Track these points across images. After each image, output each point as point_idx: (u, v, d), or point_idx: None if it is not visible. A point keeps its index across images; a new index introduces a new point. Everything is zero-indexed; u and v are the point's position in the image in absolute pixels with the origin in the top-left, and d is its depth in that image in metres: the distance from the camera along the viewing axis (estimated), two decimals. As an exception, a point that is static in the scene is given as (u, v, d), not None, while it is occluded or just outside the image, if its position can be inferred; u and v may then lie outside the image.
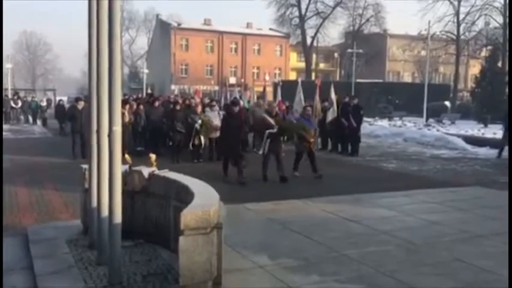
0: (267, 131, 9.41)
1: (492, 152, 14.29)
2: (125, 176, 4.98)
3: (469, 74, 52.35)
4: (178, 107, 12.16)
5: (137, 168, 5.31)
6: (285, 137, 10.07)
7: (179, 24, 54.63)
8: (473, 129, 22.38)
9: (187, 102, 14.15)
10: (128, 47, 66.65)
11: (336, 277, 4.31)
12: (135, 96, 22.58)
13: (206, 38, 55.06)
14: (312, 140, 10.20)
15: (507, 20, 38.03)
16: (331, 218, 6.41)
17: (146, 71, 43.65)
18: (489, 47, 37.84)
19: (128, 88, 53.06)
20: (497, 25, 41.08)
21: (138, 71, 60.72)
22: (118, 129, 4.04)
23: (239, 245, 5.04)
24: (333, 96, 14.77)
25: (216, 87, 49.28)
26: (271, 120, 9.58)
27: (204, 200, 4.18)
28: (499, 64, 33.06)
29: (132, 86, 55.94)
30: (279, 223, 6.12)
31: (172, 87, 50.55)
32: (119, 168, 4.12)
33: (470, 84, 40.58)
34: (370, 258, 4.79)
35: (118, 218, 4.09)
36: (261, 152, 9.62)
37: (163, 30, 55.85)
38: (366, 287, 4.08)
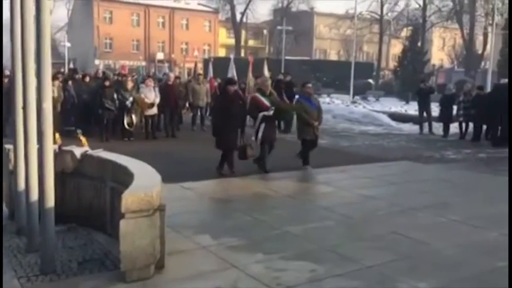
0: (261, 114, 7.81)
1: (415, 128, 15.03)
2: (55, 156, 4.62)
3: (391, 53, 54.58)
4: (107, 83, 11.54)
5: (68, 148, 4.96)
6: (282, 125, 8.53)
7: (102, -5, 51.94)
8: (397, 106, 23.47)
9: (121, 78, 13.45)
10: (46, 19, 62.37)
11: (280, 254, 4.30)
12: (54, 71, 21.21)
13: (132, 11, 52.82)
14: (315, 123, 8.36)
15: (427, 2, 39.94)
16: (272, 195, 6.41)
17: (68, 44, 41.21)
18: (410, 28, 39.58)
19: (48, 63, 49.78)
20: (417, 6, 43.03)
21: (57, 45, 57.24)
22: (48, 106, 3.71)
23: (180, 226, 4.89)
24: (266, 73, 14.77)
25: (144, 63, 47.73)
26: (266, 101, 7.97)
27: (145, 181, 3.98)
28: (419, 44, 34.71)
29: (51, 61, 52.61)
30: (221, 202, 6.03)
31: (96, 62, 48.18)
32: (51, 149, 3.79)
33: (393, 63, 42.32)
34: (313, 234, 4.84)
35: (51, 202, 3.78)
36: (253, 138, 7.96)
37: (84, 1, 52.83)
38: (310, 263, 4.10)
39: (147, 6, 52.85)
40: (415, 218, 5.53)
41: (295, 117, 8.58)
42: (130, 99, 11.18)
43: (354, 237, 4.82)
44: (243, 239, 4.68)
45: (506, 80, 14.32)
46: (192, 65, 26.95)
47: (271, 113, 7.83)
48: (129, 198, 3.57)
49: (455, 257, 4.30)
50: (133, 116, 11.31)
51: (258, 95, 8.17)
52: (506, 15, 21.65)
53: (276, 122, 9.36)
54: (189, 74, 23.01)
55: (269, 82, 8.63)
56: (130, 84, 11.57)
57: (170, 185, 6.20)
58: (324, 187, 6.98)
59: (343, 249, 4.45)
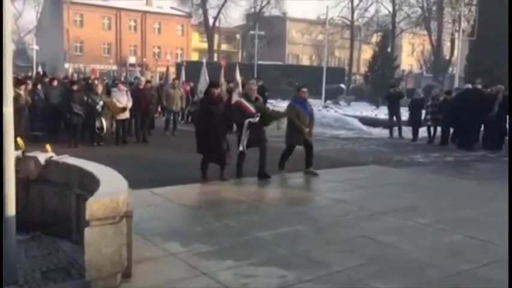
0: (247, 121, 7.39)
1: (384, 132, 15.26)
2: (17, 162, 4.49)
3: (362, 58, 55.42)
4: (76, 87, 11.31)
5: (32, 154, 4.82)
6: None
7: (72, -2, 51.05)
8: (367, 110, 23.83)
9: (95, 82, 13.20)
10: (14, 21, 61.05)
11: (250, 260, 4.27)
12: (23, 75, 20.71)
13: (103, 14, 52.08)
14: (306, 129, 8.12)
15: (396, 8, 40.72)
16: (242, 200, 6.38)
17: (36, 47, 40.29)
18: (380, 33, 40.28)
19: (15, 66, 48.69)
20: (387, 12, 43.85)
21: (26, 48, 55.96)
22: (9, 110, 3.59)
23: (149, 233, 4.81)
24: (238, 77, 14.77)
25: (115, 67, 47.09)
26: (251, 107, 7.57)
27: (112, 187, 3.90)
28: (389, 49, 35.35)
29: (20, 64, 51.43)
30: (189, 208, 5.96)
31: (66, 65, 47.31)
32: (12, 155, 3.68)
33: (364, 68, 42.96)
34: (283, 240, 4.82)
35: (12, 210, 3.66)
36: (241, 148, 7.55)
37: (54, 4, 51.74)
38: (280, 269, 4.08)
39: (119, 9, 52.22)
40: (384, 221, 5.59)
41: (285, 120, 8.35)
42: (101, 103, 10.98)
43: (324, 241, 4.83)
44: (212, 245, 4.63)
45: (469, 85, 14.73)
46: (164, 69, 26.75)
47: (257, 119, 7.42)
48: (94, 205, 3.48)
49: (422, 260, 4.35)
50: (104, 121, 11.11)
51: (243, 100, 7.73)
52: (472, 22, 22.23)
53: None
54: (161, 78, 22.81)
55: (255, 87, 8.01)
56: (100, 88, 11.36)
57: (140, 190, 6.15)
58: (295, 191, 7.00)
59: (314, 253, 4.46)
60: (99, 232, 3.53)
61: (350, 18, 44.25)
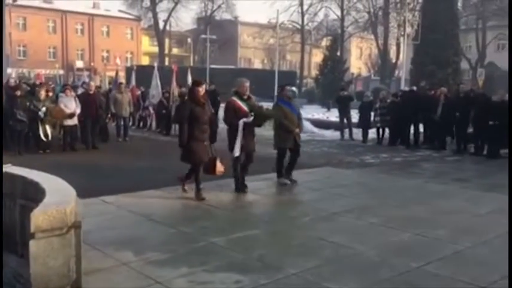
0: (241, 121, 6.83)
1: (336, 134, 15.54)
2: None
3: (312, 61, 56.36)
4: (19, 93, 10.83)
5: (-28, 164, 4.55)
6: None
7: (14, 1, 48.99)
8: (319, 113, 24.22)
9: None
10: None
11: (205, 267, 4.21)
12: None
13: (47, 17, 50.26)
14: (296, 130, 7.69)
15: (344, 13, 41.70)
16: (195, 206, 6.30)
17: (-25, 51, 38.34)
18: (329, 37, 41.11)
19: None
20: (336, 17, 44.84)
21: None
22: None
23: (99, 243, 4.66)
24: (190, 81, 14.62)
25: (62, 71, 45.51)
26: (244, 106, 7.00)
27: (58, 196, 3.74)
28: (338, 53, 36.12)
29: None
30: (142, 215, 5.82)
31: (9, 70, 45.29)
32: None
33: (314, 71, 43.71)
34: (238, 244, 4.80)
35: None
36: (237, 154, 6.97)
37: (-5, 6, 49.54)
38: (235, 274, 4.05)
39: (64, 12, 50.59)
40: (337, 222, 5.68)
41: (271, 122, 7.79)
42: (43, 109, 10.56)
43: (279, 244, 4.85)
44: (166, 253, 4.54)
45: (414, 87, 15.29)
46: (113, 74, 26.16)
47: (251, 119, 6.83)
48: (40, 216, 3.33)
49: (374, 259, 4.45)
50: (48, 127, 10.69)
51: (235, 98, 7.03)
52: (416, 27, 23.07)
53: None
54: (110, 83, 22.26)
55: (247, 84, 7.23)
56: (43, 94, 10.93)
57: (90, 199, 5.96)
58: (249, 195, 6.97)
59: (269, 257, 4.46)
60: (45, 244, 3.37)
61: (300, 23, 44.89)
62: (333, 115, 20.90)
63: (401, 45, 32.96)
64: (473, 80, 30.86)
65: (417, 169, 9.89)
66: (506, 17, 36.34)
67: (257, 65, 58.97)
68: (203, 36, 42.65)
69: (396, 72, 41.75)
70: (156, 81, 16.72)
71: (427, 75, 21.58)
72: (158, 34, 49.67)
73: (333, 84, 29.84)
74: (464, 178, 8.88)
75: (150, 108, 16.99)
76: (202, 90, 6.63)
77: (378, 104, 13.99)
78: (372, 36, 44.44)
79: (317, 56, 50.59)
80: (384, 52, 41.60)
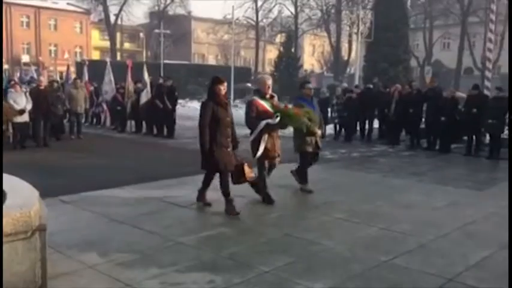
0: (264, 122, 6.05)
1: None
2: None
3: (267, 58, 56.58)
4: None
5: None
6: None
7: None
8: (276, 109, 24.30)
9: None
10: None
11: (176, 267, 4.12)
12: None
13: (-11, 9, 47.83)
14: (319, 132, 6.92)
15: (298, 10, 42.08)
16: (160, 204, 6.16)
17: None
18: (283, 34, 41.38)
19: None
20: (290, 14, 45.16)
21: None
22: None
23: (62, 245, 4.46)
24: (146, 77, 14.34)
25: (7, 66, 43.45)
26: (267, 106, 6.18)
27: (21, 198, 3.55)
28: (293, 50, 36.44)
29: None
30: (103, 215, 5.63)
31: None
32: None
33: (269, 67, 43.90)
34: (208, 243, 4.73)
35: None
36: (259, 154, 6.20)
37: None
38: (208, 274, 3.99)
39: (8, 4, 48.22)
40: (304, 219, 5.71)
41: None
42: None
43: (249, 242, 4.81)
44: (134, 254, 4.41)
45: (371, 85, 15.64)
46: (64, 68, 25.29)
47: (276, 121, 6.03)
48: (3, 220, 3.14)
49: (344, 254, 4.50)
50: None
51: (257, 98, 6.22)
52: (369, 25, 23.61)
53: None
54: (61, 78, 21.47)
55: (270, 82, 6.42)
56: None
57: (47, 199, 5.67)
58: (213, 193, 6.85)
59: (240, 255, 4.42)
60: (9, 249, 3.19)
61: (255, 19, 44.92)
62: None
63: (354, 42, 33.67)
64: (421, 77, 31.95)
65: (375, 164, 10.13)
66: (451, 16, 37.94)
67: (211, 60, 58.59)
68: (156, 31, 41.88)
69: (348, 69, 42.59)
70: (109, 76, 16.29)
71: (379, 72, 22.17)
72: (109, 28, 48.30)
73: (288, 81, 30.11)
74: (420, 172, 9.18)
75: (104, 105, 16.53)
76: (224, 88, 5.75)
77: (334, 100, 14.22)
78: (325, 34, 45.08)
79: (271, 53, 50.85)
80: (336, 49, 42.31)
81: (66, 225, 5.15)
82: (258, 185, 6.35)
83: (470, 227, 5.50)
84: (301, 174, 7.07)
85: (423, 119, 12.58)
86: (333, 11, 41.69)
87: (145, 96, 14.10)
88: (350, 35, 37.64)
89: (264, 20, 46.45)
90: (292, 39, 36.91)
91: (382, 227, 5.39)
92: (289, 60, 33.48)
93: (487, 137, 11.73)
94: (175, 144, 12.49)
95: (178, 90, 14.58)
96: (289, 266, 4.17)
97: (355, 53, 35.02)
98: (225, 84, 5.79)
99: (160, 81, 14.33)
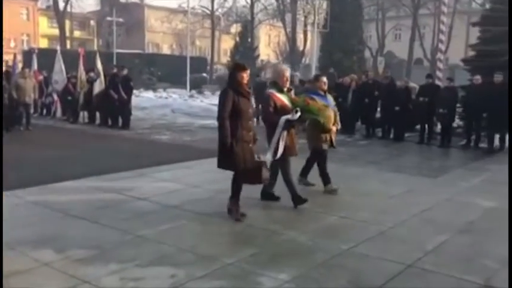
0: (284, 118, 5.47)
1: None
2: None
3: (222, 48, 56.16)
4: None
5: None
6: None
7: None
8: (233, 99, 24.23)
9: None
10: None
11: (135, 262, 4.00)
12: None
13: None
14: (334, 128, 6.50)
15: (254, 0, 41.91)
16: (116, 197, 5.98)
17: None
18: (239, 24, 41.17)
19: None
20: (245, 3, 44.92)
21: None
22: None
23: (15, 242, 4.25)
24: (99, 66, 13.89)
25: None
26: (286, 100, 5.66)
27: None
28: (249, 40, 36.33)
29: None
30: (58, 210, 5.40)
31: None
32: None
33: (225, 57, 43.63)
34: (168, 236, 4.62)
35: None
36: (272, 158, 5.55)
37: None
38: (169, 268, 3.90)
39: None
40: (266, 208, 5.70)
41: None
42: None
43: (210, 234, 4.75)
44: (91, 249, 4.25)
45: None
46: (10, 57, 24.18)
47: (296, 117, 5.47)
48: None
49: (307, 243, 4.52)
50: None
51: (274, 91, 5.63)
52: (324, 15, 23.85)
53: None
54: (23, 68, 20.48)
55: (288, 73, 5.84)
56: None
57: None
58: (171, 184, 6.75)
59: (202, 248, 4.34)
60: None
61: (210, 8, 44.42)
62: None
63: (309, 33, 33.95)
64: (375, 67, 32.62)
65: (333, 153, 10.12)
66: (402, 8, 38.89)
67: (166, 50, 57.55)
68: (108, 18, 40.60)
69: (304, 59, 42.92)
70: (59, 65, 15.69)
71: (334, 63, 22.43)
72: (58, 15, 46.33)
73: (245, 71, 29.92)
74: (376, 161, 9.36)
75: (54, 95, 15.91)
76: (247, 76, 5.13)
77: (292, 90, 14.26)
78: (281, 24, 45.18)
79: (227, 43, 50.47)
80: (292, 40, 42.52)
81: (20, 221, 4.92)
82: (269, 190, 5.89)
83: (427, 214, 5.66)
84: (323, 176, 6.53)
85: (378, 109, 12.84)
86: (288, 0, 41.82)
87: (98, 86, 13.65)
88: (305, 26, 38.05)
89: (220, 10, 46.03)
90: (248, 29, 36.79)
91: (343, 216, 5.45)
92: (245, 50, 33.36)
93: (439, 125, 12.11)
94: (132, 136, 12.20)
95: (132, 81, 14.20)
96: (253, 257, 4.14)
97: (310, 43, 35.34)
98: (248, 71, 5.17)
99: (115, 70, 13.91)
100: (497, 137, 10.93)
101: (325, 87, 6.50)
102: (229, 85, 5.11)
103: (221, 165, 5.24)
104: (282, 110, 5.53)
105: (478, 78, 11.17)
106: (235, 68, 5.23)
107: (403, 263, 4.09)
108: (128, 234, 4.66)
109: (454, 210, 5.85)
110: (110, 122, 13.69)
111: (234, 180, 5.26)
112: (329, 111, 6.31)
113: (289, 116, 5.46)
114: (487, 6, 18.71)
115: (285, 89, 5.72)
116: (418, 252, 4.33)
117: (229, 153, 5.03)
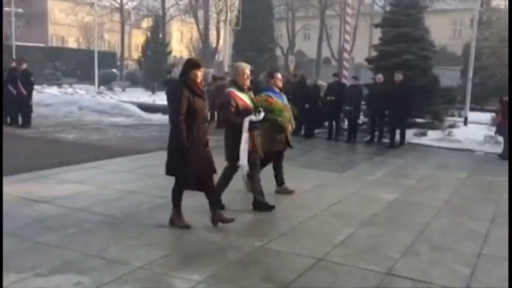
0: (247, 119, 5.17)
1: (164, 118, 15.30)
2: None
3: (133, 43, 54.47)
4: None
5: None
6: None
7: None
8: (144, 96, 23.68)
9: None
10: None
11: (36, 270, 3.72)
12: None
13: None
14: (290, 128, 6.24)
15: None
16: (16, 202, 5.52)
17: None
18: (150, 18, 40.13)
19: None
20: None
21: None
22: None
23: None
24: None
25: None
26: (246, 100, 5.34)
27: None
28: (160, 35, 35.55)
29: None
30: None
31: None
32: None
33: (136, 53, 42.35)
34: (73, 241, 4.35)
35: None
36: (244, 163, 5.26)
37: None
38: (74, 275, 3.67)
39: None
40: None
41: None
42: None
43: (119, 237, 4.53)
44: (-16, 259, 3.88)
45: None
46: None
47: (260, 117, 5.20)
48: None
49: (220, 242, 4.48)
50: None
51: (234, 90, 5.29)
52: (236, 13, 23.92)
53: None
54: None
55: (248, 71, 5.40)
56: None
57: None
58: (76, 186, 6.38)
59: (110, 252, 4.14)
60: None
61: (119, 1, 42.83)
62: (160, 98, 20.61)
63: (222, 30, 33.94)
64: (285, 66, 33.43)
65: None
66: (311, 8, 40.24)
67: (72, 44, 54.62)
68: (7, 9, 37.67)
69: (217, 56, 42.88)
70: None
71: (247, 60, 22.63)
72: None
73: (156, 67, 29.36)
74: (289, 157, 9.46)
75: None
76: (201, 74, 4.72)
77: (205, 87, 14.16)
78: (193, 20, 44.75)
79: (138, 37, 49.01)
80: (204, 36, 42.29)
81: None
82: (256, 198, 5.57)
83: (335, 208, 5.88)
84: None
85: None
86: (200, -3, 41.51)
87: None
88: (218, 22, 38.03)
89: (130, 3, 44.60)
90: (159, 24, 35.99)
91: (257, 212, 5.48)
92: (157, 46, 32.61)
93: (346, 122, 12.66)
94: (33, 134, 11.42)
95: (34, 75, 13.27)
96: (164, 259, 4.02)
97: (223, 40, 35.37)
98: (203, 69, 4.76)
99: (13, 64, 12.91)
100: (398, 132, 11.66)
101: (281, 84, 6.20)
102: (183, 84, 4.67)
103: (172, 171, 4.78)
104: (244, 111, 5.24)
105: (380, 77, 11.85)
106: (189, 64, 4.74)
107: (314, 257, 4.20)
108: (27, 241, 4.32)
109: (360, 203, 6.13)
110: (8, 120, 12.68)
111: (177, 188, 4.88)
112: (288, 110, 6.09)
113: (252, 117, 5.18)
114: (388, 8, 19.91)
115: (245, 88, 5.38)
116: (327, 246, 4.47)
117: (185, 158, 4.61)
